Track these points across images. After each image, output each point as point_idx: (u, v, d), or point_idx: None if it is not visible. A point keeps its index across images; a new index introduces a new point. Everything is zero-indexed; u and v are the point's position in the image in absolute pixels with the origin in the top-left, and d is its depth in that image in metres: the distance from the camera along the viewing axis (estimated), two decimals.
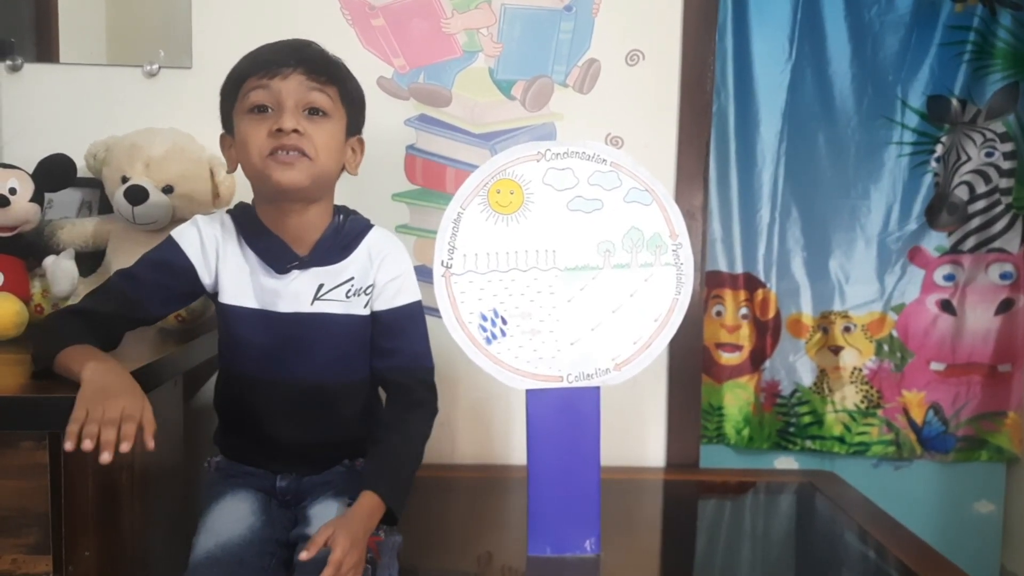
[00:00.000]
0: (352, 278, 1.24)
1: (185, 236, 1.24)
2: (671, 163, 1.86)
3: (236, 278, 1.23)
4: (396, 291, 1.26)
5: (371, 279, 1.25)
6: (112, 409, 0.98)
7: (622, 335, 1.36)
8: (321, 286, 1.23)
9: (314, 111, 1.17)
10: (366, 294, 1.25)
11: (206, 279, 1.24)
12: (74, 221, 1.67)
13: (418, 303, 1.29)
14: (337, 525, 1.08)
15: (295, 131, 1.14)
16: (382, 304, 1.26)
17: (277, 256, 1.22)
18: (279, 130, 1.14)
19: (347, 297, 1.24)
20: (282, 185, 1.16)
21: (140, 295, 1.21)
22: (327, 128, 1.19)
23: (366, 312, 1.26)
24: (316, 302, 1.23)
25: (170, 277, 1.22)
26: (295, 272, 1.22)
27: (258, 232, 1.23)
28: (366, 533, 1.11)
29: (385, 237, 1.29)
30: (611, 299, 1.36)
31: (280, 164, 1.15)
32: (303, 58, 1.17)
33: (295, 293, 1.22)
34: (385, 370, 1.27)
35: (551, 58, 1.83)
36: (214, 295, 1.25)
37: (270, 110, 1.16)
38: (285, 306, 1.22)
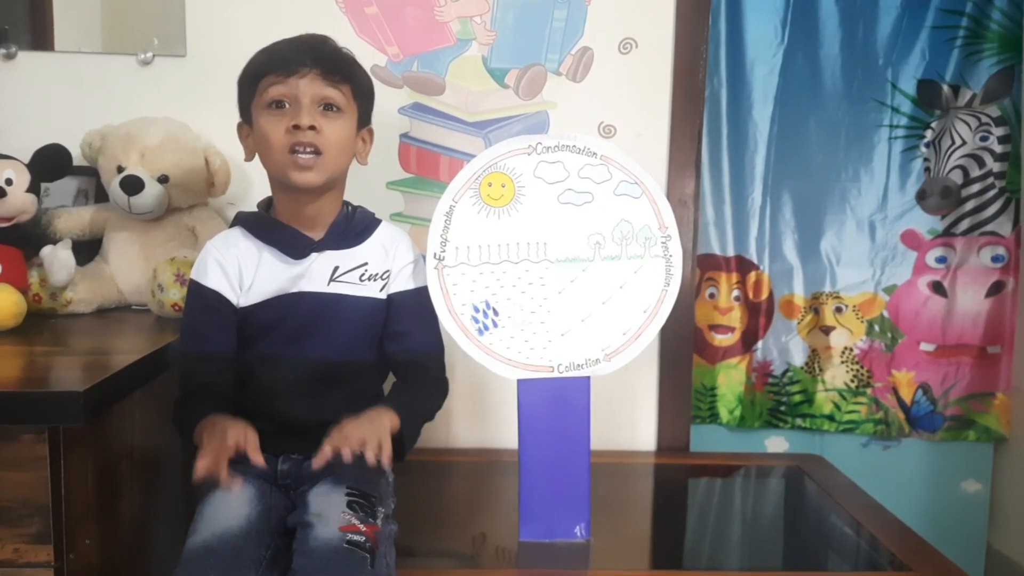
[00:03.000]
0: (366, 263, 1.32)
1: (206, 272, 1.30)
2: (663, 151, 1.86)
3: (259, 278, 1.30)
4: (409, 275, 1.35)
5: (387, 266, 1.34)
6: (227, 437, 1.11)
7: (612, 326, 1.38)
8: (336, 268, 1.31)
9: (328, 107, 1.25)
10: (382, 279, 1.33)
11: (235, 299, 1.30)
12: (70, 210, 1.68)
13: (427, 289, 1.35)
14: (345, 422, 1.16)
15: (311, 128, 1.22)
16: (397, 287, 1.34)
17: (295, 244, 1.30)
18: (296, 126, 1.22)
19: (360, 281, 1.31)
20: (300, 185, 1.25)
21: (210, 348, 1.29)
22: (340, 124, 1.27)
23: (381, 296, 1.33)
24: (332, 283, 1.30)
25: (216, 314, 1.29)
26: (313, 255, 1.30)
27: (272, 228, 1.31)
28: (375, 430, 1.15)
29: (395, 230, 1.39)
30: (601, 291, 1.37)
31: (299, 167, 1.23)
32: (319, 56, 1.24)
33: (314, 274, 1.30)
34: (399, 352, 1.35)
35: (544, 46, 1.83)
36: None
37: (287, 105, 1.23)
38: (306, 286, 1.30)
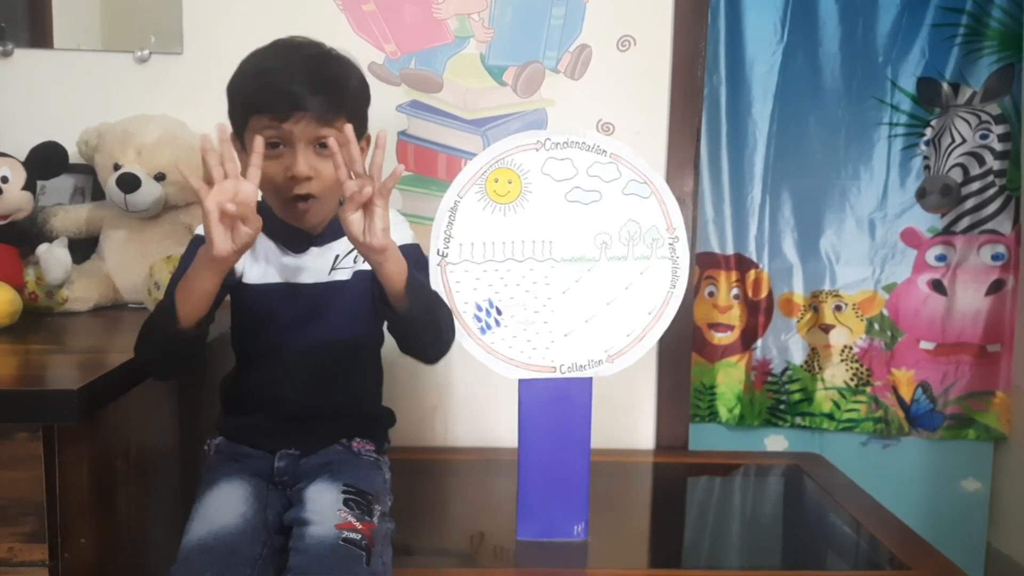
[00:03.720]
0: None
1: None
2: (662, 149, 1.86)
3: (258, 260, 1.29)
4: (397, 232, 1.26)
5: None
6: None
7: (616, 327, 1.37)
8: (336, 257, 1.30)
9: (324, 144, 1.20)
10: None
11: (239, 266, 1.26)
12: (67, 208, 1.67)
13: (415, 246, 1.31)
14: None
15: (308, 178, 1.20)
16: None
17: (294, 238, 1.29)
18: (293, 177, 1.19)
19: (355, 263, 1.30)
20: (300, 225, 1.27)
21: None
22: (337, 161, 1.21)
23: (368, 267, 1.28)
24: (333, 271, 1.30)
25: None
26: (313, 249, 1.30)
27: (272, 219, 1.27)
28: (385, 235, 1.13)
29: None
30: (606, 291, 1.36)
31: (297, 213, 1.24)
32: (313, 91, 1.18)
33: (315, 266, 1.30)
34: None
35: (542, 44, 1.83)
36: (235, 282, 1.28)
37: (281, 145, 1.20)
38: (307, 278, 1.29)
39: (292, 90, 1.18)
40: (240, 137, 1.26)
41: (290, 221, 1.26)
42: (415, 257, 1.30)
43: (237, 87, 1.25)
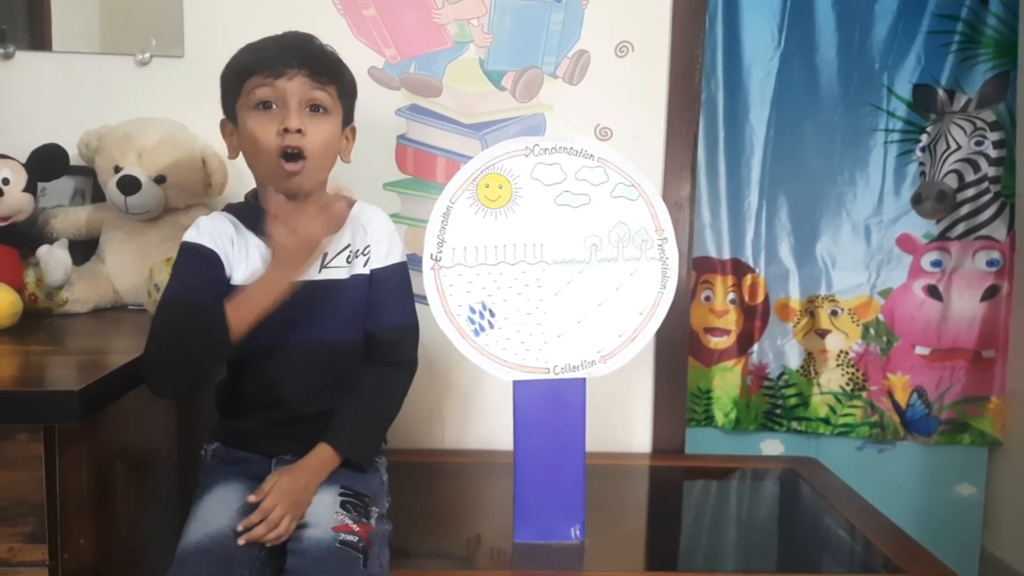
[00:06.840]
0: (348, 245, 1.32)
1: (200, 235, 1.28)
2: (659, 154, 1.87)
3: (247, 263, 1.29)
4: (387, 251, 1.34)
5: (367, 240, 1.33)
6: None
7: (608, 328, 1.38)
8: (325, 255, 1.30)
9: (315, 108, 1.26)
10: (364, 255, 1.32)
11: (228, 269, 1.28)
12: (67, 210, 1.68)
13: (405, 264, 1.36)
14: (278, 476, 1.18)
15: (298, 131, 1.22)
16: (377, 262, 1.33)
17: None
18: (285, 129, 1.22)
19: (347, 262, 1.31)
20: (289, 191, 1.27)
21: (207, 300, 1.20)
22: (326, 126, 1.27)
23: (366, 271, 1.32)
24: (323, 270, 1.30)
25: (208, 268, 1.26)
26: None
27: (261, 219, 1.28)
28: (307, 486, 1.20)
29: (368, 205, 1.37)
30: (597, 292, 1.38)
31: (287, 174, 1.24)
32: (305, 57, 1.24)
33: None
34: (375, 329, 1.32)
35: (541, 49, 1.83)
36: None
37: (274, 107, 1.24)
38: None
39: (286, 53, 1.24)
40: (232, 117, 1.30)
41: (279, 187, 1.26)
42: (399, 276, 1.35)
43: (230, 67, 1.29)
